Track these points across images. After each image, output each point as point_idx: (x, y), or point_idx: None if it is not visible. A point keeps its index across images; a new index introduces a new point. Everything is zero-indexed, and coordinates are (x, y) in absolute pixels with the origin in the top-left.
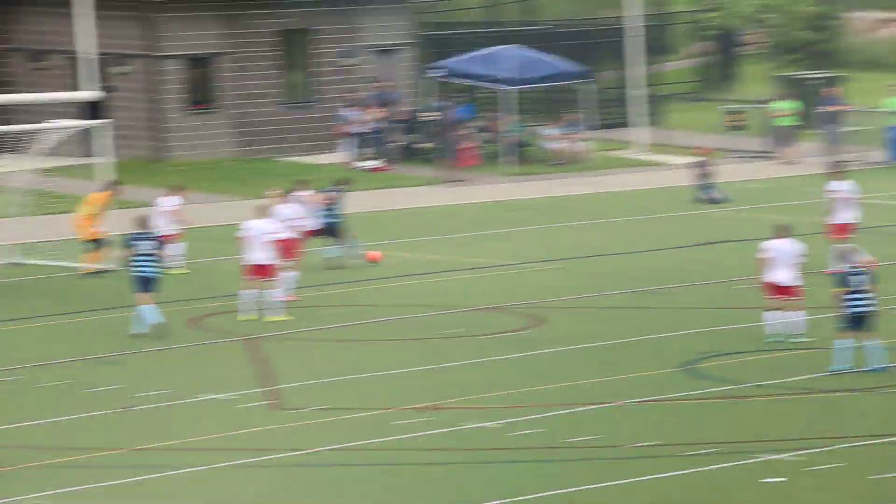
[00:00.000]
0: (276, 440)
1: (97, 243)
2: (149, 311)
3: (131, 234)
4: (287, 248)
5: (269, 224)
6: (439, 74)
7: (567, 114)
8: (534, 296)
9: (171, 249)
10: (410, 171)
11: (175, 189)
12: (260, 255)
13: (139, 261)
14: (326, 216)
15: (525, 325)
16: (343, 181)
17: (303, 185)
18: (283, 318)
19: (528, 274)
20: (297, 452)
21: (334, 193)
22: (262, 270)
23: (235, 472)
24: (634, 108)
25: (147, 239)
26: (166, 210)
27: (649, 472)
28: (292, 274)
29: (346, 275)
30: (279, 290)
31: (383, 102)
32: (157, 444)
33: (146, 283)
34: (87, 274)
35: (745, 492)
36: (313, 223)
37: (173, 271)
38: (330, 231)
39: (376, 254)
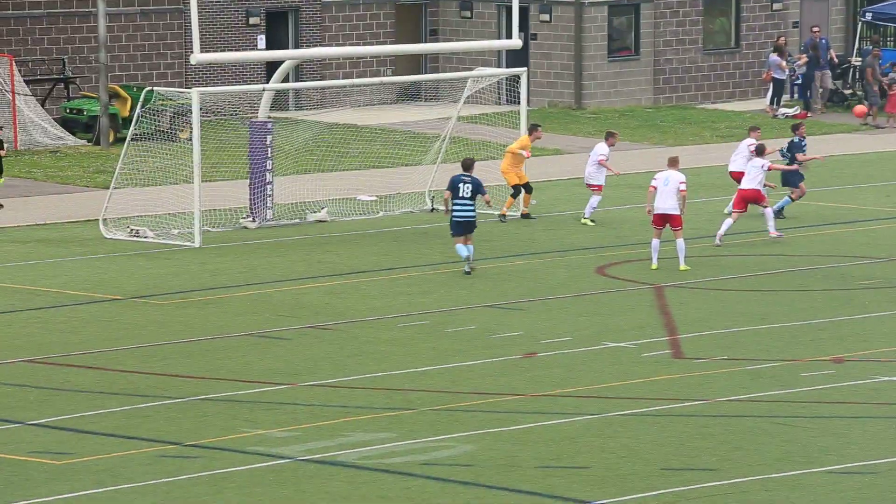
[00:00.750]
0: (676, 390)
1: (519, 188)
2: (463, 250)
3: (455, 176)
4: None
5: (677, 175)
6: (869, 18)
7: None
8: None
9: (592, 201)
10: (834, 118)
11: (607, 137)
12: (665, 203)
13: (458, 204)
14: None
15: None
16: (796, 126)
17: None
18: (687, 268)
19: None
20: (697, 402)
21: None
22: (667, 219)
23: (632, 420)
24: None
25: (467, 181)
26: (596, 159)
27: None
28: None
29: (756, 224)
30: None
31: (810, 48)
32: (558, 390)
33: (460, 227)
34: (503, 216)
35: None
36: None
37: (583, 221)
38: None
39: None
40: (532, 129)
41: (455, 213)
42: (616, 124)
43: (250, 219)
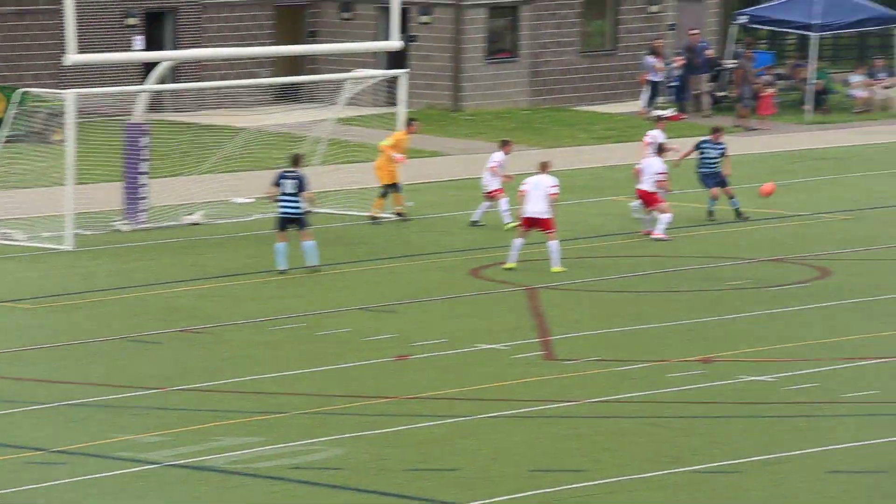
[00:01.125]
0: (547, 391)
1: (389, 188)
2: (281, 250)
3: (280, 172)
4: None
5: (548, 178)
6: (744, 21)
7: (874, 60)
8: (823, 247)
9: (500, 205)
10: (709, 121)
11: (501, 145)
12: (535, 207)
13: (282, 200)
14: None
15: (812, 276)
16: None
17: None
18: (562, 270)
19: (820, 224)
20: (567, 404)
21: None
22: (536, 223)
23: (503, 422)
24: None
25: (292, 178)
26: (491, 165)
27: None
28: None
29: (630, 224)
30: (557, 242)
31: (685, 50)
32: (430, 393)
33: (284, 223)
34: (375, 219)
35: None
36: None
37: (505, 227)
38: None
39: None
40: (408, 123)
41: (279, 209)
42: (493, 126)
43: (124, 221)
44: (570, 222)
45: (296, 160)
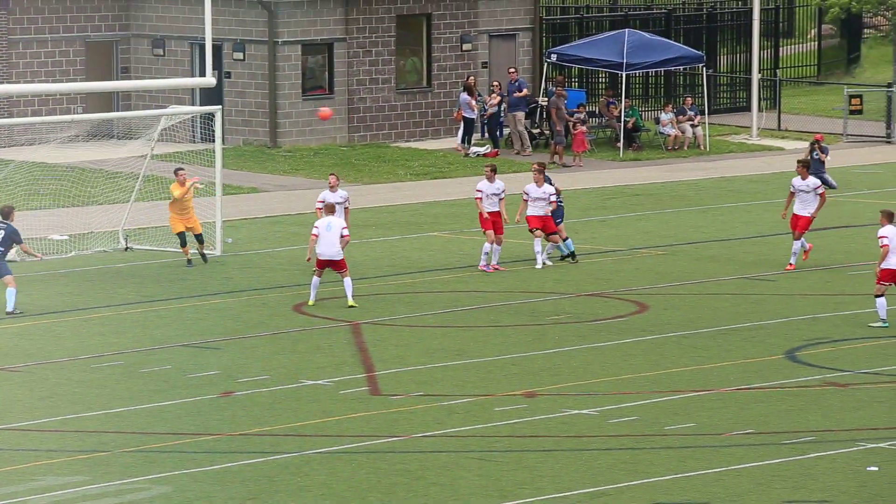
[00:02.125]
0: (374, 426)
1: (184, 236)
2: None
3: None
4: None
5: (339, 220)
6: (554, 59)
7: (682, 98)
8: (640, 282)
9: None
10: (523, 157)
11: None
12: (331, 250)
13: None
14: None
15: (629, 311)
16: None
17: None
18: (354, 305)
19: (636, 259)
20: (394, 439)
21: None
22: (331, 264)
23: (329, 458)
24: (752, 92)
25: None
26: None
27: (747, 461)
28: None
29: (451, 259)
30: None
31: (499, 88)
32: (255, 429)
33: None
34: (189, 261)
35: (845, 480)
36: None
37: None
38: None
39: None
40: (175, 172)
41: None
42: (312, 163)
43: None
44: (391, 258)
45: (5, 213)
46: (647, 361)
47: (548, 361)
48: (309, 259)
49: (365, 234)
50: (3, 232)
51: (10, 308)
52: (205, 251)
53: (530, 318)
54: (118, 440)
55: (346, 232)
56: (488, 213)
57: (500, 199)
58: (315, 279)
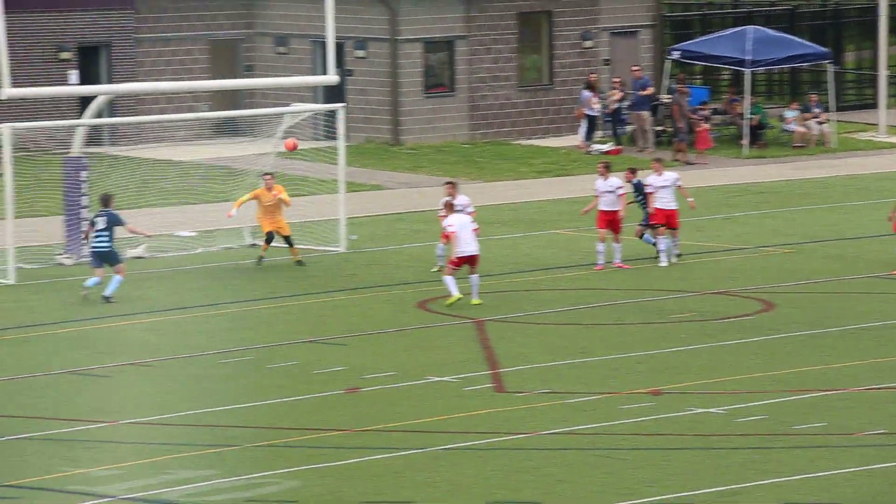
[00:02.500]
0: (498, 423)
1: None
2: (94, 282)
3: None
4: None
5: (468, 217)
6: (677, 56)
7: (808, 95)
8: (766, 280)
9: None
10: (644, 154)
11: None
12: (470, 246)
13: (96, 236)
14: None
15: (755, 309)
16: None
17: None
18: (479, 302)
19: (761, 258)
20: (520, 436)
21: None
22: (469, 260)
23: (455, 455)
24: (880, 88)
25: (104, 216)
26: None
27: (879, 461)
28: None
29: (574, 257)
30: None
31: (621, 85)
32: (381, 425)
33: (99, 258)
34: (260, 259)
35: None
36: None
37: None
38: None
39: (291, 143)
40: (262, 176)
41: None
42: (434, 160)
43: (66, 255)
44: (515, 255)
45: (105, 200)
46: (774, 360)
47: (673, 360)
48: (456, 255)
49: (488, 232)
50: (105, 218)
51: (107, 293)
52: (300, 258)
53: (655, 316)
54: (246, 435)
55: (474, 226)
56: (604, 211)
57: (620, 197)
58: (450, 277)
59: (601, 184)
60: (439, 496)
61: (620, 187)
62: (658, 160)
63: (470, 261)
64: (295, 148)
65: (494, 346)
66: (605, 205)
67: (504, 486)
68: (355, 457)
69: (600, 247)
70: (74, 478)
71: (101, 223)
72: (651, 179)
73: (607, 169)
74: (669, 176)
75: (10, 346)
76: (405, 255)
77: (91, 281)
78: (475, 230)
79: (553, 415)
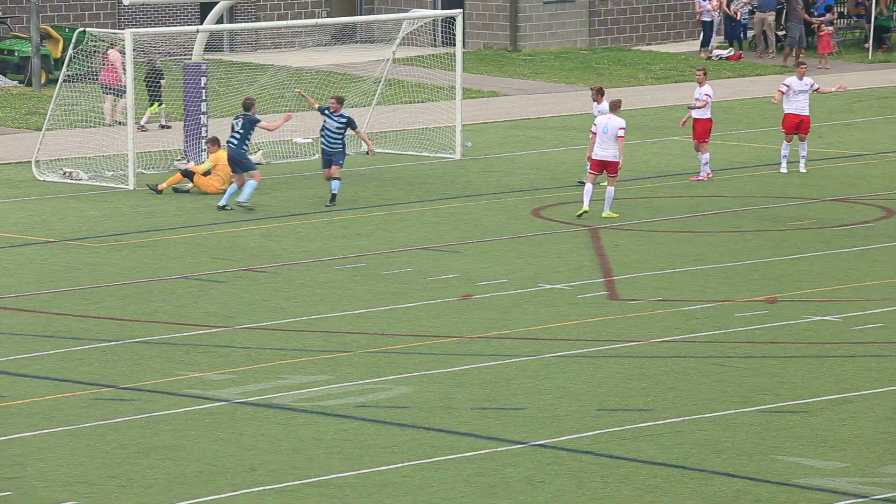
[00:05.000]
0: (611, 331)
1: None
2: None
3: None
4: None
5: (617, 120)
6: None
7: None
8: (887, 187)
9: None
10: (765, 60)
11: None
12: (606, 151)
13: (231, 137)
14: None
15: (875, 216)
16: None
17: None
18: (614, 215)
19: (883, 164)
20: (632, 343)
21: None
22: (605, 166)
23: (567, 362)
24: None
25: (241, 119)
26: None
27: None
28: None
29: (692, 164)
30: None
31: None
32: (493, 332)
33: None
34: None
35: None
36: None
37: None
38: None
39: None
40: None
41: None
42: (552, 66)
43: (185, 161)
44: (631, 162)
45: (246, 105)
46: (892, 268)
47: (790, 267)
48: (589, 157)
49: None
50: (241, 122)
51: (241, 199)
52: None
53: (772, 224)
54: (360, 341)
55: (622, 133)
56: (695, 119)
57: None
58: (588, 186)
59: (696, 91)
60: (550, 403)
61: (707, 94)
62: (801, 63)
63: (605, 167)
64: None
65: (608, 253)
66: (696, 113)
67: (615, 394)
68: (467, 363)
69: (701, 157)
70: (190, 381)
71: (237, 125)
72: (790, 81)
73: (705, 76)
74: (808, 81)
75: (129, 250)
76: (521, 163)
77: (229, 189)
78: (620, 136)
79: (666, 322)
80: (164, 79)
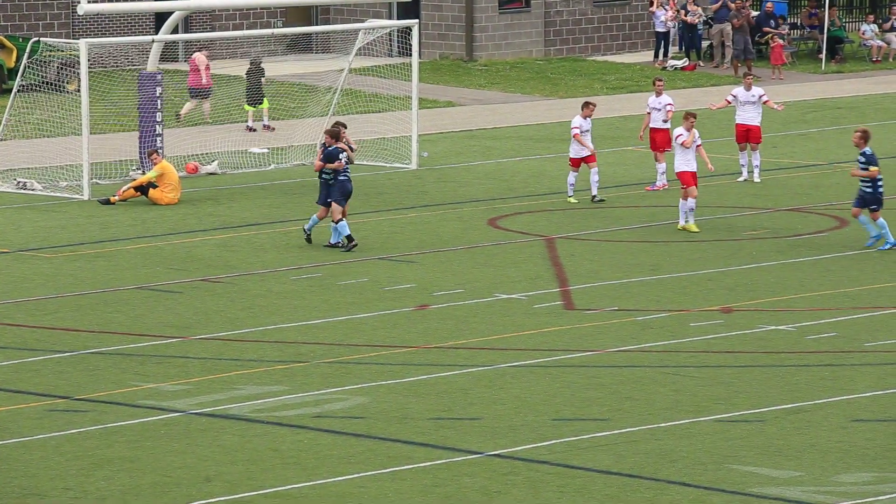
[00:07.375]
0: (567, 341)
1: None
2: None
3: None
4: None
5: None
6: None
7: (889, 8)
8: (840, 197)
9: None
10: (720, 70)
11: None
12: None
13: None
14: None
15: (829, 226)
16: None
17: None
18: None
19: (837, 174)
20: (588, 353)
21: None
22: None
23: (523, 372)
24: None
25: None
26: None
27: None
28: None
29: (647, 174)
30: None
31: (695, 1)
32: (450, 342)
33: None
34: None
35: None
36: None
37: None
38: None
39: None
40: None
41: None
42: (508, 76)
43: (140, 171)
44: (584, 171)
45: (333, 133)
46: (847, 277)
47: (744, 277)
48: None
49: (559, 149)
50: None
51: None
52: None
53: (727, 234)
54: (316, 351)
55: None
56: (653, 129)
57: (668, 115)
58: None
59: (653, 100)
60: (506, 413)
61: (670, 104)
62: (748, 74)
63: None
64: (196, 171)
65: (564, 263)
66: (654, 122)
67: (571, 404)
68: (423, 374)
69: (658, 167)
70: (145, 392)
71: (344, 158)
72: (737, 92)
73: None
74: (757, 91)
75: (83, 261)
76: (476, 173)
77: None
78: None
79: (622, 332)
80: (264, 76)
